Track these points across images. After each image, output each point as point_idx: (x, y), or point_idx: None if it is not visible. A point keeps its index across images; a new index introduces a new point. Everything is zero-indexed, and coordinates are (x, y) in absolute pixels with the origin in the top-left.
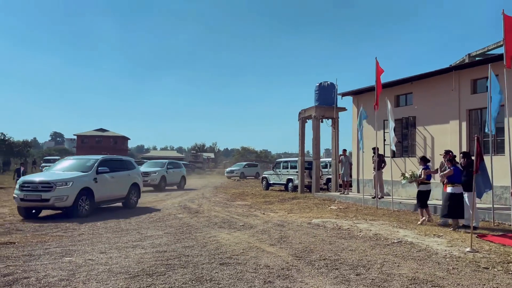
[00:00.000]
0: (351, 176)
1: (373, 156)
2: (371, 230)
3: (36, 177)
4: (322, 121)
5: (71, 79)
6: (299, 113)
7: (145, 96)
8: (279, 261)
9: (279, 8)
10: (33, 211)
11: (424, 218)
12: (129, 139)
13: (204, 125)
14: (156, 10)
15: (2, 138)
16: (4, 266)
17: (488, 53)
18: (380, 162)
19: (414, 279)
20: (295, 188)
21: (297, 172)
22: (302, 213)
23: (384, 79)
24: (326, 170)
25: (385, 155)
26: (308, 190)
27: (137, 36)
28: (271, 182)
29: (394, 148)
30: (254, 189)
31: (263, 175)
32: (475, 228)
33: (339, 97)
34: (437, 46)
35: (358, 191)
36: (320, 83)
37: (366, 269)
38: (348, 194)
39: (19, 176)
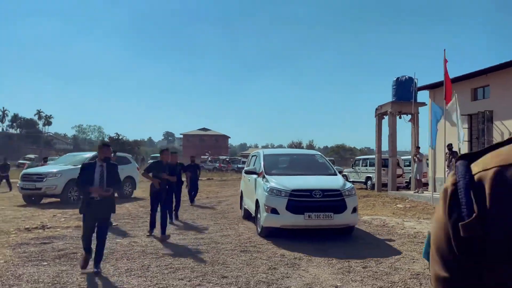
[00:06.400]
0: (426, 174)
1: (446, 153)
2: (415, 228)
3: (33, 170)
4: (400, 117)
5: (180, 83)
6: (376, 109)
7: (247, 97)
8: (296, 253)
9: (364, 3)
10: (33, 198)
11: None
12: (229, 137)
13: (303, 123)
14: (256, 15)
15: (117, 137)
16: None
17: None
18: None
19: (418, 274)
20: (374, 186)
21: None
22: (363, 210)
23: (461, 71)
24: (410, 168)
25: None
26: (385, 189)
27: (238, 40)
28: (351, 179)
29: (460, 145)
30: None
31: (343, 173)
32: None
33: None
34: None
35: (435, 190)
36: (398, 78)
37: (378, 263)
38: (422, 193)
39: (3, 172)
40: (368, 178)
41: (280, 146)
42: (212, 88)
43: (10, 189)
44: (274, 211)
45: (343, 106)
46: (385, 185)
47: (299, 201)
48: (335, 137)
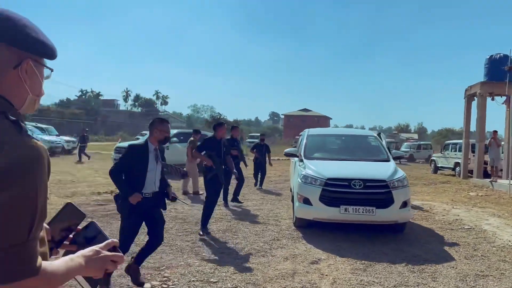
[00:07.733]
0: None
1: None
2: (458, 216)
3: (125, 143)
4: (493, 99)
5: (288, 63)
6: (465, 90)
7: (353, 79)
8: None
9: None
10: None
11: None
12: (331, 118)
13: (409, 105)
14: None
15: (218, 117)
16: None
17: None
18: None
19: (416, 255)
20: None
21: None
22: (425, 196)
23: None
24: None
25: None
26: (472, 175)
27: (348, 20)
28: (439, 165)
29: None
30: (420, 171)
31: (432, 158)
32: None
33: None
34: None
35: None
36: (491, 56)
37: (406, 244)
38: (495, 181)
39: (82, 142)
40: (457, 164)
41: (389, 129)
42: (319, 69)
43: (89, 157)
44: (306, 201)
45: (452, 88)
46: (472, 171)
47: (334, 191)
48: (443, 120)
